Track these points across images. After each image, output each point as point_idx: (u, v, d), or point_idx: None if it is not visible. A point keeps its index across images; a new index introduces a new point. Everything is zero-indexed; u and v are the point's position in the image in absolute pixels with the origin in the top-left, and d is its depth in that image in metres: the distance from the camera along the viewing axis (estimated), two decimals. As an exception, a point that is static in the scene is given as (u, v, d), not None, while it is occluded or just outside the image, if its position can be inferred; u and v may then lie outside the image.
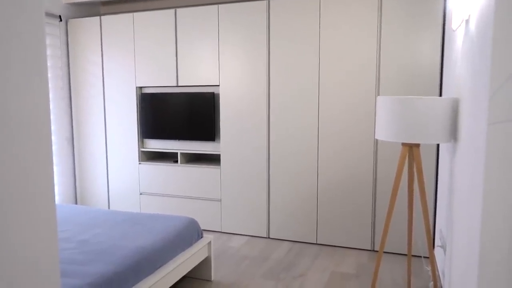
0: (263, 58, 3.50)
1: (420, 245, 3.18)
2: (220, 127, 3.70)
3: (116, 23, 4.02)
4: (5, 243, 0.77)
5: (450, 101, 2.06)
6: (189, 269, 2.52)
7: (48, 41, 4.03)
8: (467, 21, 1.87)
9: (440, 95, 3.06)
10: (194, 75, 3.76)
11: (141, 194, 4.09)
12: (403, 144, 2.28)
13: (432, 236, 3.18)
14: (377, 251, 3.33)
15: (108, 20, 4.05)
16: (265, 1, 3.44)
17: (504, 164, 0.85)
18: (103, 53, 4.11)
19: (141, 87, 4.05)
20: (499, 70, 0.99)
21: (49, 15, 3.99)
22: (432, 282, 2.60)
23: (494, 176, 0.95)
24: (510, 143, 0.80)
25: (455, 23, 2.16)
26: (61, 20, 4.13)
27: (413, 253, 3.21)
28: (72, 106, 4.32)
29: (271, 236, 3.63)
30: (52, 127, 4.15)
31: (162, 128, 3.92)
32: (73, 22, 4.20)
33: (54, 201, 0.89)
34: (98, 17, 4.09)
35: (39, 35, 0.84)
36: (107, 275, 1.93)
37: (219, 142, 3.77)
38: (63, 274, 1.91)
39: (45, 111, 0.85)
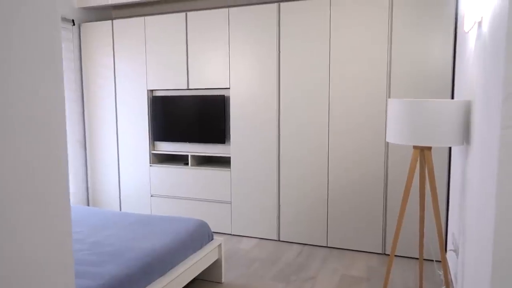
0: (273, 61, 3.50)
1: (431, 249, 3.15)
2: (231, 129, 3.71)
3: (128, 27, 4.06)
4: (20, 244, 0.79)
5: (462, 104, 2.04)
6: (199, 271, 2.54)
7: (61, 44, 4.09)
8: (479, 23, 1.86)
9: (452, 97, 3.03)
10: (205, 78, 3.79)
11: (152, 196, 4.12)
12: (415, 147, 2.27)
13: (444, 239, 3.15)
14: (388, 254, 3.30)
15: (120, 24, 4.10)
16: (276, 4, 3.45)
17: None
18: (115, 56, 4.16)
19: (152, 90, 4.08)
20: (512, 73, 0.98)
21: (63, 19, 4.06)
22: (444, 287, 2.58)
23: (507, 180, 0.94)
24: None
25: (467, 25, 2.14)
26: (74, 24, 4.19)
27: (425, 257, 3.18)
28: (85, 108, 4.37)
29: (281, 239, 3.63)
30: (65, 130, 4.20)
31: (173, 130, 3.95)
32: (86, 26, 4.26)
33: (69, 202, 0.90)
34: (110, 21, 4.14)
35: (55, 39, 0.85)
36: (118, 276, 1.95)
37: (229, 144, 3.79)
38: (75, 275, 1.93)
39: (61, 113, 0.87)
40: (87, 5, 4.20)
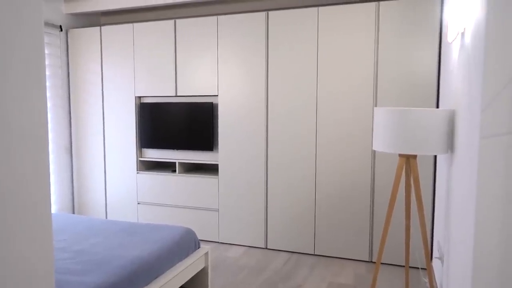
0: (261, 69, 3.52)
1: (417, 257, 3.17)
2: (219, 137, 3.71)
3: (116, 33, 4.05)
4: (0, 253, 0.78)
5: (447, 113, 2.08)
6: (186, 280, 2.51)
7: (48, 50, 4.06)
8: (462, 34, 1.90)
9: (437, 106, 3.08)
10: (193, 85, 3.79)
11: (139, 203, 4.08)
12: (400, 155, 2.29)
13: (430, 247, 3.18)
14: (375, 262, 3.32)
15: (108, 30, 4.08)
16: (264, 12, 3.48)
17: (496, 178, 0.86)
18: (103, 63, 4.13)
19: (140, 97, 4.06)
20: (491, 85, 1.00)
21: (50, 25, 4.03)
22: (430, 294, 2.59)
23: (486, 189, 0.96)
24: (501, 156, 0.81)
25: (451, 35, 2.18)
26: (61, 30, 4.17)
27: (411, 265, 3.20)
28: (71, 115, 4.33)
29: (268, 247, 3.62)
30: (51, 136, 4.16)
31: (161, 137, 3.93)
32: (74, 32, 4.23)
33: (50, 211, 0.89)
34: (99, 27, 4.12)
35: (38, 46, 0.85)
36: (103, 285, 1.92)
37: (217, 152, 3.78)
38: (59, 285, 1.90)
39: (43, 120, 0.86)
40: (75, 11, 4.18)
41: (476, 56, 1.41)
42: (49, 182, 0.88)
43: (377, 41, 3.17)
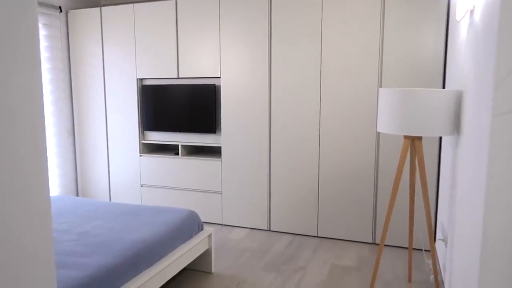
0: (264, 50, 3.46)
1: (421, 238, 3.17)
2: (221, 119, 3.68)
3: (117, 14, 3.98)
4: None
5: (454, 93, 2.03)
6: (189, 261, 2.52)
7: (48, 32, 4.01)
8: (471, 12, 1.84)
9: (443, 87, 3.03)
10: (195, 67, 3.74)
11: (142, 186, 4.09)
12: (405, 137, 2.26)
13: (433, 229, 3.17)
14: (378, 244, 3.32)
15: (109, 11, 4.01)
16: (267, -8, 3.40)
17: (508, 155, 0.83)
18: (104, 44, 4.08)
19: (141, 79, 4.02)
20: (505, 61, 0.96)
21: (49, 6, 3.96)
22: (433, 276, 2.60)
23: (497, 167, 0.93)
24: (514, 135, 0.78)
25: (459, 13, 2.12)
26: (61, 11, 4.10)
27: (414, 246, 3.20)
28: (73, 98, 4.30)
29: (272, 229, 3.63)
30: (53, 119, 4.14)
31: (163, 120, 3.91)
32: (74, 13, 4.16)
33: (49, 192, 0.87)
34: (99, 8, 4.05)
35: (32, 25, 0.82)
36: (106, 267, 1.93)
37: (220, 134, 3.76)
38: (62, 266, 1.90)
39: (38, 101, 0.84)
40: (75, -8, 4.10)
41: (487, 33, 1.36)
42: (47, 164, 0.86)
43: (382, 20, 3.10)
